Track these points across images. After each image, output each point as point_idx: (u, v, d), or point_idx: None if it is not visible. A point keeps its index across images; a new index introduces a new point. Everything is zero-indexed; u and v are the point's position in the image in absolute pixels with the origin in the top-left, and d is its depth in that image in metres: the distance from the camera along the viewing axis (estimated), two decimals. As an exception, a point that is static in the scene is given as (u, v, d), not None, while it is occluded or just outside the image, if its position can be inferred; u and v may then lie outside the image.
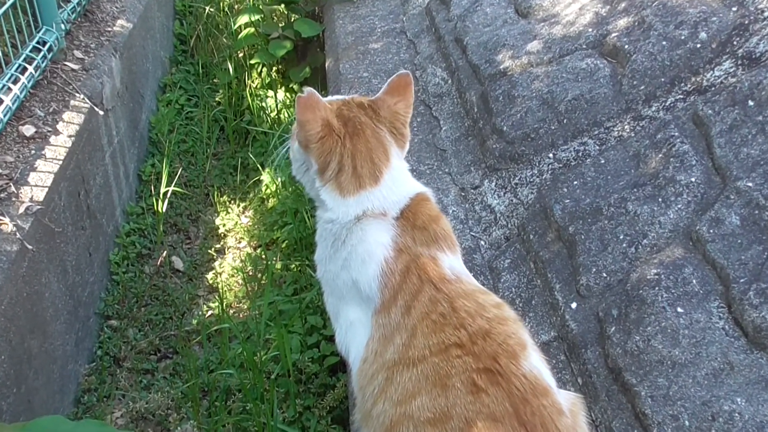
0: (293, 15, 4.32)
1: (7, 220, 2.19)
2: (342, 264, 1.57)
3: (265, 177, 3.63)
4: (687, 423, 1.54)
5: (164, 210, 3.42)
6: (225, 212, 3.60)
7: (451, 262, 1.54)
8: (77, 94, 2.86)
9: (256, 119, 4.13)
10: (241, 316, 3.01)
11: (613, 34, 2.55)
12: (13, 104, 2.50)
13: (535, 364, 1.38)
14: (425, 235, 1.55)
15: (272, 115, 4.18)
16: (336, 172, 1.57)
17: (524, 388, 1.31)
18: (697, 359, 1.63)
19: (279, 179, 3.53)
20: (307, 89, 1.58)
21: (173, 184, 3.47)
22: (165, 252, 3.24)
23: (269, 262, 3.05)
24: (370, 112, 1.64)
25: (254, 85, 4.38)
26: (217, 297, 3.05)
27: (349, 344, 1.57)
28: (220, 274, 3.25)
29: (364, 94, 3.07)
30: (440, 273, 1.49)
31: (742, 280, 1.69)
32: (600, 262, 1.96)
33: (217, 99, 4.38)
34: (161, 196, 3.40)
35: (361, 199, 1.56)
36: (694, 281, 1.76)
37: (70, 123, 2.69)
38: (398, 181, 1.60)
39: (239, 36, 4.39)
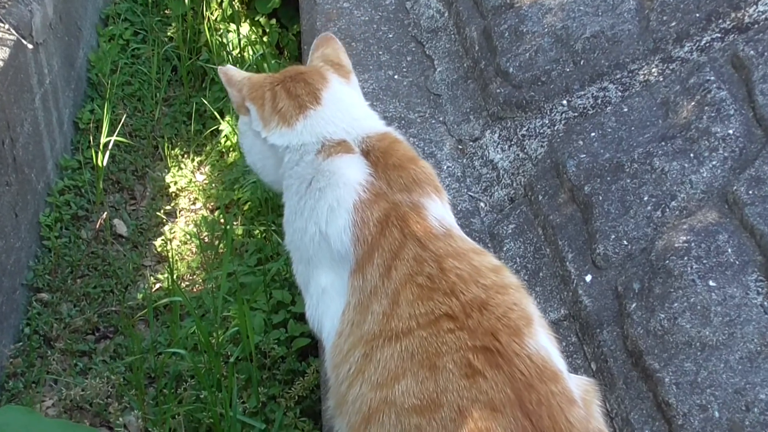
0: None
1: None
2: (308, 215, 1.57)
3: (225, 126, 3.60)
4: (717, 414, 1.55)
5: (105, 164, 3.38)
6: (177, 168, 3.57)
7: (438, 211, 1.53)
8: (1, 24, 2.81)
9: (215, 57, 4.07)
10: (194, 289, 3.00)
11: (641, -40, 2.53)
12: None
13: (543, 342, 1.37)
14: (404, 176, 1.55)
15: (235, 53, 4.12)
16: (271, 103, 1.68)
17: (529, 371, 1.29)
18: (730, 340, 1.63)
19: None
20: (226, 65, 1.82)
21: (116, 133, 3.43)
22: (105, 214, 3.21)
23: (228, 227, 3.03)
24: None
25: (213, 18, 4.31)
26: (166, 267, 3.03)
27: (322, 317, 1.55)
28: (171, 240, 3.23)
29: (344, 27, 3.03)
30: (426, 226, 1.48)
31: (785, 249, 1.69)
32: (620, 227, 1.96)
33: (169, 33, 4.33)
34: (101, 147, 3.37)
35: (308, 122, 1.64)
36: (729, 250, 1.76)
37: (-10, 57, 2.66)
38: (347, 104, 1.70)
39: (195, -43, 4.32)
